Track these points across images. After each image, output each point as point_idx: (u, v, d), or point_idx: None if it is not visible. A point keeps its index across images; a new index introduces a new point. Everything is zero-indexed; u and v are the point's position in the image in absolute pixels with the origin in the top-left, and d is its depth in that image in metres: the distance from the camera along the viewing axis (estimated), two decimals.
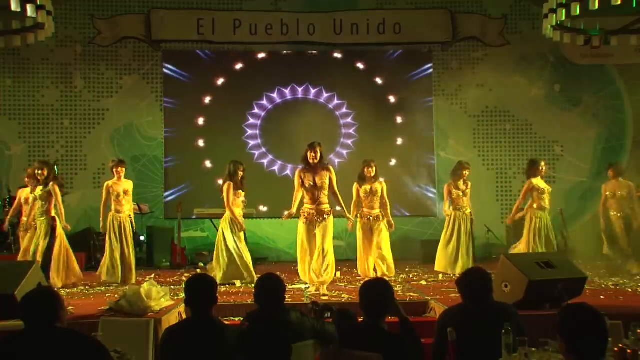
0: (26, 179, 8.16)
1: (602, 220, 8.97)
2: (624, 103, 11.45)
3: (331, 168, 7.48)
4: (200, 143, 11.27)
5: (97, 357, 3.17)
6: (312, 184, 7.28)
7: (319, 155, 7.30)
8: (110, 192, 8.16)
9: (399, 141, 11.43)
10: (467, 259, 8.21)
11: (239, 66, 11.36)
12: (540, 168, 8.31)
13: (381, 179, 8.14)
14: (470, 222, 8.48)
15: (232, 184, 7.86)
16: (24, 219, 8.04)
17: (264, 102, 11.38)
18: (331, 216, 7.30)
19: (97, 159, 11.11)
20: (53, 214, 7.88)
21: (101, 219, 8.21)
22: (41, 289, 3.76)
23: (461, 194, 8.48)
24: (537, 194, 8.26)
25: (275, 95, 11.41)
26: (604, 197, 8.98)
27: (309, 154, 7.33)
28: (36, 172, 7.84)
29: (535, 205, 8.26)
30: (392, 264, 7.93)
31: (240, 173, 7.98)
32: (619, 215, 8.83)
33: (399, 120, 11.43)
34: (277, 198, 10.33)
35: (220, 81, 11.34)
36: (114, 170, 8.23)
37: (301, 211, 7.36)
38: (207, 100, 11.29)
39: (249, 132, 11.34)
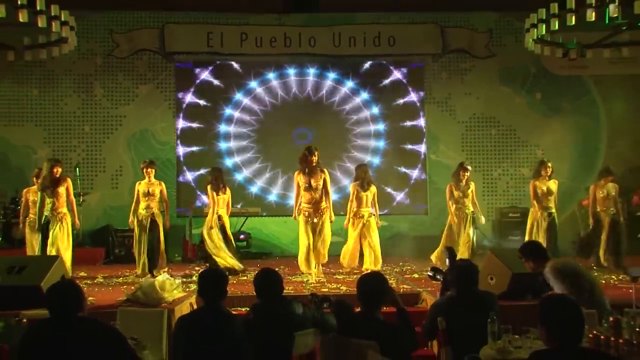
0: (36, 179, 7.92)
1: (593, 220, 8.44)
2: (598, 110, 11.46)
3: (325, 170, 7.77)
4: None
5: (116, 344, 3.19)
6: (307, 185, 7.55)
7: (315, 158, 7.54)
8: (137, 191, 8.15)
9: (394, 145, 11.43)
10: (465, 255, 7.97)
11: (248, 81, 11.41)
12: (542, 170, 8.19)
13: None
14: (472, 220, 8.32)
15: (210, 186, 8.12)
16: (32, 216, 7.85)
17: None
18: (326, 213, 7.64)
19: (115, 161, 11.13)
20: (66, 210, 7.67)
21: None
22: (64, 282, 3.78)
23: (461, 194, 8.34)
24: (539, 195, 8.09)
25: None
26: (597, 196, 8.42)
27: (307, 157, 7.55)
28: (56, 169, 7.55)
29: (537, 206, 8.14)
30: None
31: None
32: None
33: (395, 126, 11.43)
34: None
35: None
36: (143, 171, 8.20)
37: (300, 209, 7.67)
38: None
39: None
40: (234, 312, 4.20)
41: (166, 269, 8.05)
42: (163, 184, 8.35)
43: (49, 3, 7.26)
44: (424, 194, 11.36)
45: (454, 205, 8.36)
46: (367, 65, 11.47)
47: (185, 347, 3.54)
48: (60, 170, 7.64)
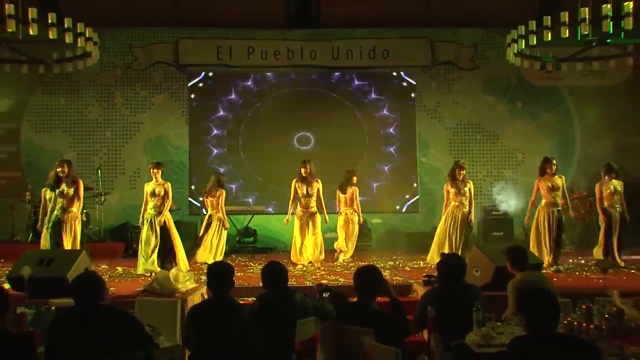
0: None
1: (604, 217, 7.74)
2: (572, 118, 11.50)
3: (319, 180, 8.15)
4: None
5: (134, 330, 3.21)
6: (304, 192, 8.03)
7: (309, 169, 7.99)
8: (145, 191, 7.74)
9: (388, 149, 11.45)
10: (459, 251, 7.58)
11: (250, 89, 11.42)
12: (547, 167, 7.61)
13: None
14: (467, 218, 7.75)
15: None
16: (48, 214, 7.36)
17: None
18: (318, 214, 8.13)
19: (133, 164, 11.16)
20: (76, 210, 7.26)
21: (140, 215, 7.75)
22: (88, 273, 3.78)
23: (457, 191, 7.79)
24: (545, 191, 7.57)
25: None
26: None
27: (302, 169, 8.02)
28: (61, 169, 7.21)
29: (543, 202, 7.57)
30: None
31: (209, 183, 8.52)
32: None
33: (389, 132, 11.44)
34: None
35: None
36: (150, 171, 7.78)
37: (296, 212, 8.14)
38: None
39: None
40: (241, 302, 4.20)
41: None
42: (169, 183, 7.84)
43: (75, 21, 7.36)
44: (415, 193, 11.37)
45: (451, 203, 7.87)
46: (361, 77, 11.47)
47: (197, 333, 3.55)
48: (65, 169, 7.23)
